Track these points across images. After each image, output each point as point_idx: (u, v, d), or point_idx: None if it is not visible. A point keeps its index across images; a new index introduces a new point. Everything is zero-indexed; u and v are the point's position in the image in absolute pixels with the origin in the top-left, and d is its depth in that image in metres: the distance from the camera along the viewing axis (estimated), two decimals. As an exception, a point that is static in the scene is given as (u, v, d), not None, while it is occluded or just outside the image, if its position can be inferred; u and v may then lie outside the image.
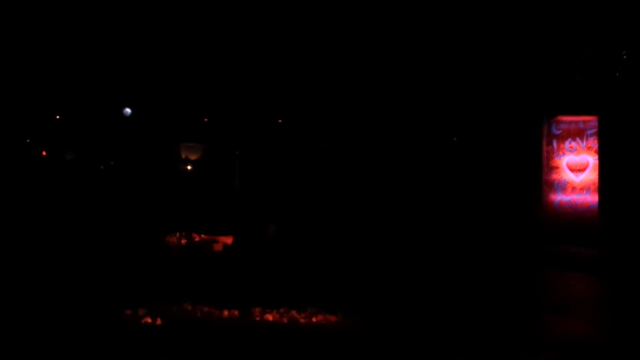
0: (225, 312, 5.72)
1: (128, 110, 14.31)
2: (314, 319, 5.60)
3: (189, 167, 15.98)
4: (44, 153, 15.92)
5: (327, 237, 9.54)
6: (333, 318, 5.65)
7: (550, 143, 12.94)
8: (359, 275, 8.31)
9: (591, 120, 12.37)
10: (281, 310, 5.78)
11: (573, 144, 12.71)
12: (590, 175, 12.43)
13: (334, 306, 5.95)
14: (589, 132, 12.49)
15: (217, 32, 11.37)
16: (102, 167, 16.02)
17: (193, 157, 15.93)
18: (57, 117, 15.23)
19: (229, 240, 8.89)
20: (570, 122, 12.77)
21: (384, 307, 6.44)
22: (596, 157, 12.19)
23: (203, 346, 4.85)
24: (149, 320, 5.36)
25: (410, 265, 9.78)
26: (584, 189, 12.55)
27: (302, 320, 5.57)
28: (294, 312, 5.73)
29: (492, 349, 5.08)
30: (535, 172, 12.77)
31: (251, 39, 11.31)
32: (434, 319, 6.07)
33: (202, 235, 8.99)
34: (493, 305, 7.06)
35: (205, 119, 15.22)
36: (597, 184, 12.04)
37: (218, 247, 8.82)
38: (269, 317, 5.63)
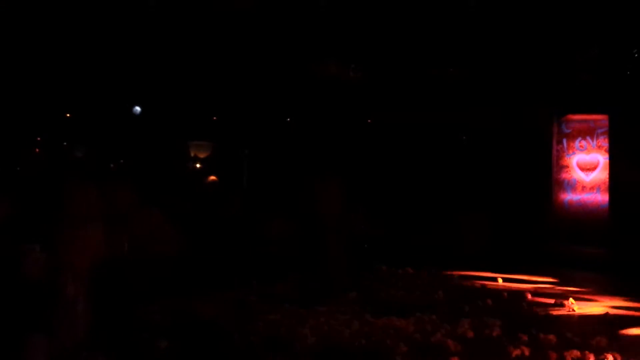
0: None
1: (137, 109, 14.35)
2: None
3: (198, 165, 16.02)
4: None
5: None
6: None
7: (560, 142, 12.88)
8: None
9: (601, 119, 12.29)
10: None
11: (583, 142, 12.64)
12: (601, 174, 12.35)
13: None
14: (599, 130, 12.41)
15: (225, 30, 11.39)
16: (111, 165, 16.08)
17: (202, 155, 15.98)
18: (68, 115, 15.32)
19: None
20: (581, 120, 12.70)
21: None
22: (606, 156, 12.12)
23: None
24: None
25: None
26: (594, 188, 12.47)
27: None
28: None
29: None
30: (546, 171, 12.72)
31: (260, 36, 11.33)
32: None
33: None
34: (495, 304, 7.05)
35: (214, 117, 15.24)
36: (607, 183, 11.97)
37: None
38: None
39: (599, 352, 4.98)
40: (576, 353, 4.93)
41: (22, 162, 12.78)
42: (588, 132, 12.62)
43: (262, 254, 9.32)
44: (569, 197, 12.71)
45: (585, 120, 12.65)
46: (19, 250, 4.97)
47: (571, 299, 7.17)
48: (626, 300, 7.68)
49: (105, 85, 13.14)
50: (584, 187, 12.60)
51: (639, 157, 10.92)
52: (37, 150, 15.29)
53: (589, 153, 12.58)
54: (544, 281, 9.16)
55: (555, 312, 6.82)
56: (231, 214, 8.96)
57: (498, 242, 11.72)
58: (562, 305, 7.08)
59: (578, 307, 7.01)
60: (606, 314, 6.72)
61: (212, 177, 9.23)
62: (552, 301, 7.41)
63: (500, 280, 8.91)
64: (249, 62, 12.51)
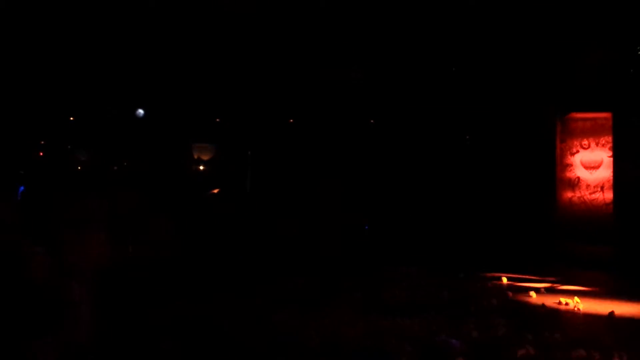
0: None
1: (141, 112, 14.39)
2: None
3: (201, 167, 16.05)
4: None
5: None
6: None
7: (564, 140, 12.85)
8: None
9: (605, 117, 12.26)
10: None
11: (587, 141, 12.62)
12: (604, 172, 12.33)
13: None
14: (603, 129, 12.39)
15: (228, 32, 11.40)
16: (115, 168, 16.13)
17: (205, 158, 15.99)
18: (72, 118, 15.35)
19: None
20: (584, 119, 12.67)
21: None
22: (610, 154, 12.09)
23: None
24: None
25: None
26: (598, 186, 12.45)
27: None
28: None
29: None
30: (550, 170, 12.69)
31: (262, 38, 11.33)
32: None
33: None
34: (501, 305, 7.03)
35: (217, 119, 15.26)
36: (611, 181, 11.94)
37: None
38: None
39: (605, 351, 4.97)
40: (582, 352, 4.92)
41: (26, 165, 12.81)
42: (592, 130, 12.60)
43: (266, 254, 9.33)
44: (573, 195, 12.69)
45: (589, 119, 12.62)
46: (24, 252, 4.98)
47: (576, 298, 7.16)
48: (632, 299, 7.66)
49: (108, 88, 13.17)
50: (588, 185, 12.58)
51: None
52: (40, 153, 15.33)
53: (593, 151, 12.55)
54: (548, 280, 9.14)
55: (560, 311, 6.81)
56: (227, 217, 8.96)
57: (502, 241, 11.73)
58: (567, 304, 7.07)
59: (583, 306, 7.00)
60: (612, 313, 6.70)
61: (215, 190, 9.23)
62: (557, 300, 7.40)
63: (504, 280, 8.90)
64: (251, 64, 12.52)
